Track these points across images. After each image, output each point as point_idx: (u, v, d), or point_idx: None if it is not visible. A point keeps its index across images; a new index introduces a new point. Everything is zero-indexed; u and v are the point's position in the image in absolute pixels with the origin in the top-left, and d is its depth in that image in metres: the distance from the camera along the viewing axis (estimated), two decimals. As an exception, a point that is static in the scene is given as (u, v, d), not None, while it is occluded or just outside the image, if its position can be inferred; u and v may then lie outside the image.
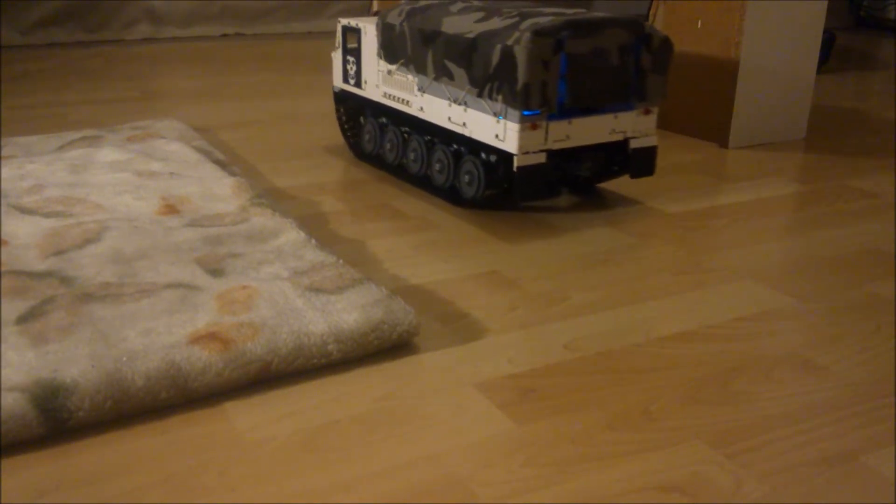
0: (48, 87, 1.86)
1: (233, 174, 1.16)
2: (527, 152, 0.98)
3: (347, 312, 0.73)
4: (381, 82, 1.18)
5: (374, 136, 1.24)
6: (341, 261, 0.85)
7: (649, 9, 1.55)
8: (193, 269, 0.82)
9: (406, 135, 1.18)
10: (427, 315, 0.82)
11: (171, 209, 0.99)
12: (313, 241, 0.90)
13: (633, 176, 1.09)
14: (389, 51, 1.14)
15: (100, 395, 0.62)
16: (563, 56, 0.97)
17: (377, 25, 1.16)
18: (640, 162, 1.09)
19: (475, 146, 1.04)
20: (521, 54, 0.93)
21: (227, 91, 1.86)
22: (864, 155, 1.45)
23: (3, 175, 1.10)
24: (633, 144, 1.07)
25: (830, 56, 2.49)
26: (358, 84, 1.24)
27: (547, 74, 0.94)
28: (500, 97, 0.97)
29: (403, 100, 1.14)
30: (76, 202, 1.00)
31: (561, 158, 1.04)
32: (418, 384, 0.69)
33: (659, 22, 1.54)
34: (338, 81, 1.30)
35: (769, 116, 1.49)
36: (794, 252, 1.00)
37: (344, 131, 1.33)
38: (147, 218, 0.96)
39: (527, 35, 0.93)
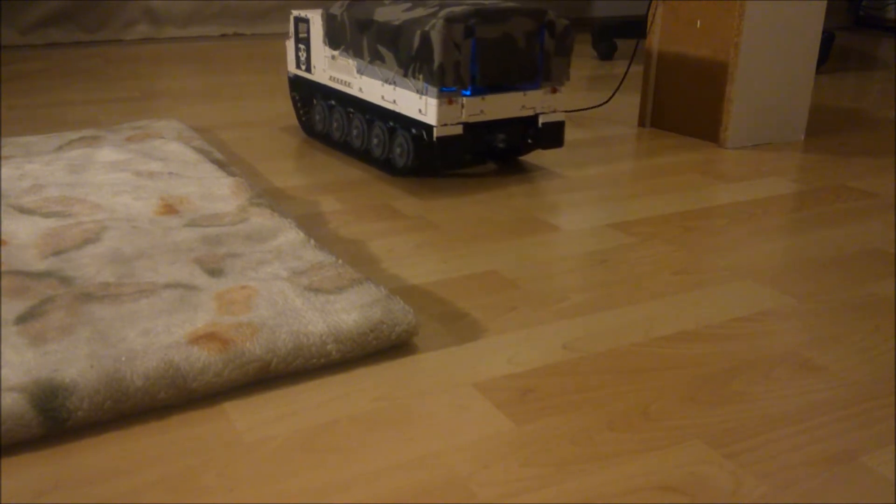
0: (47, 87, 1.86)
1: (232, 174, 1.16)
2: (445, 124, 1.12)
3: (346, 312, 0.73)
4: (327, 67, 1.32)
5: (323, 116, 1.38)
6: (340, 261, 0.85)
7: (648, 8, 1.55)
8: (192, 269, 0.82)
9: (349, 114, 1.30)
10: (426, 315, 0.82)
11: (170, 209, 0.99)
12: (312, 241, 0.90)
13: (543, 147, 1.23)
14: (333, 38, 1.29)
15: (99, 395, 0.62)
16: (474, 40, 1.10)
17: (322, 16, 1.31)
18: (550, 135, 1.23)
19: (404, 121, 1.17)
20: (436, 38, 1.07)
21: (226, 91, 1.86)
22: (863, 155, 1.45)
23: (3, 175, 1.10)
24: (543, 119, 1.22)
25: (829, 56, 2.49)
26: (308, 69, 1.38)
27: (459, 56, 1.09)
28: (420, 76, 1.11)
29: (346, 82, 1.28)
30: (75, 202, 1.00)
31: (478, 131, 1.17)
32: (417, 384, 0.69)
33: (658, 22, 1.54)
34: (291, 67, 1.44)
35: (768, 116, 1.49)
36: (794, 252, 1.00)
37: (298, 113, 1.46)
38: (146, 218, 0.96)
39: (440, 21, 1.08)
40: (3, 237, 0.89)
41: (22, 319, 0.71)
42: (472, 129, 1.15)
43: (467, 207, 1.12)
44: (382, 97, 1.19)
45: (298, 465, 0.59)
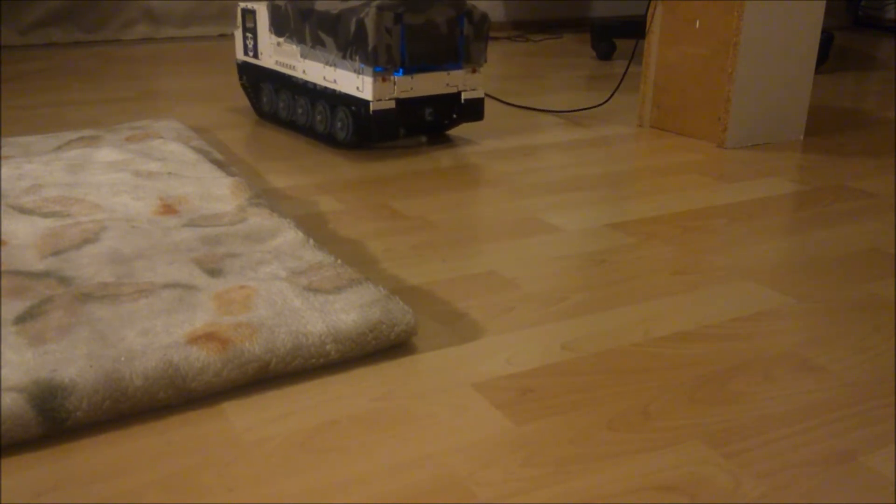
0: (46, 87, 1.86)
1: (231, 174, 1.16)
2: (380, 99, 1.28)
3: (345, 312, 0.73)
4: (273, 52, 1.45)
5: (270, 98, 1.52)
6: (339, 261, 0.85)
7: (647, 8, 1.55)
8: (191, 270, 0.82)
9: (295, 95, 1.44)
10: (425, 315, 0.82)
11: (169, 209, 0.99)
12: (311, 241, 0.90)
13: (466, 121, 1.41)
14: (278, 26, 1.42)
15: (98, 395, 0.62)
16: (402, 26, 1.26)
17: (268, 6, 1.44)
18: (472, 110, 1.40)
19: (344, 98, 1.33)
20: (369, 24, 1.23)
21: (225, 91, 1.86)
22: (863, 155, 1.45)
23: (2, 175, 1.10)
24: (465, 96, 1.39)
25: (828, 56, 2.49)
26: (256, 55, 1.51)
27: (390, 39, 1.25)
28: (357, 57, 1.27)
29: (291, 65, 1.42)
30: (74, 202, 1.00)
31: (409, 106, 1.34)
32: (416, 384, 0.69)
33: (657, 22, 1.54)
34: (240, 55, 1.56)
35: (767, 116, 1.49)
36: (793, 252, 1.00)
37: (249, 97, 1.59)
38: (145, 218, 0.96)
39: (373, 10, 1.24)
40: (2, 237, 0.89)
41: (21, 319, 0.71)
42: (404, 105, 1.33)
43: (466, 207, 1.12)
44: (324, 78, 1.35)
45: (298, 465, 0.59)
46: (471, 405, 0.67)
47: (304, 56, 1.37)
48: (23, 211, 0.97)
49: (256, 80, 1.54)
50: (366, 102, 1.28)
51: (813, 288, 0.90)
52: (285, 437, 0.62)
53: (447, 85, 1.35)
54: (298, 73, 1.40)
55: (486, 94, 1.89)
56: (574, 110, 1.75)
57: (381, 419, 0.64)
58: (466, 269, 0.93)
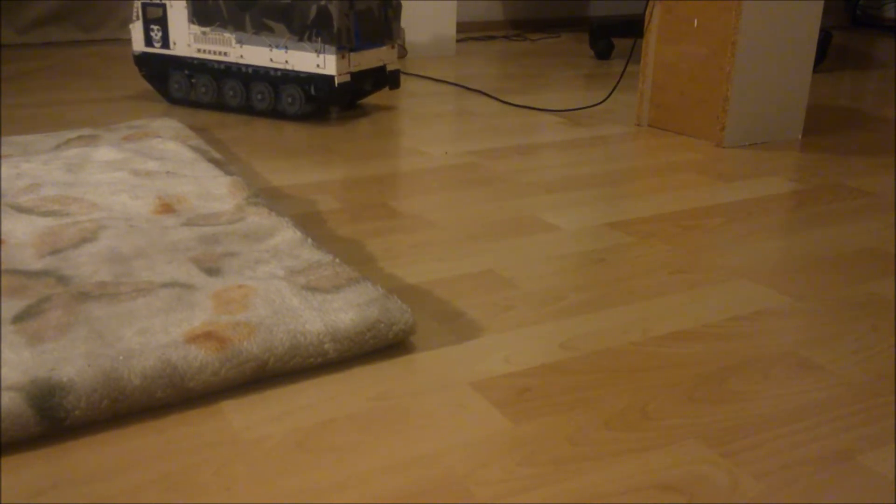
0: (45, 87, 1.85)
1: (229, 173, 1.16)
2: (341, 74, 1.50)
3: (344, 311, 0.73)
4: (193, 42, 1.59)
5: (181, 84, 1.65)
6: (337, 260, 0.85)
7: (646, 8, 1.55)
8: (189, 269, 0.82)
9: (222, 78, 1.60)
10: (423, 314, 0.82)
11: (167, 208, 0.99)
12: (309, 240, 0.90)
13: (391, 88, 1.69)
14: (203, 17, 1.57)
15: (96, 395, 0.62)
16: (355, 12, 1.50)
17: (188, 1, 1.57)
18: (394, 79, 1.68)
19: (297, 76, 1.53)
20: (333, 10, 1.46)
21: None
22: (861, 154, 1.45)
23: (1, 174, 1.10)
24: (389, 68, 1.67)
25: (826, 55, 2.49)
26: (166, 45, 1.63)
27: (348, 23, 1.49)
28: (319, 39, 1.47)
29: (222, 52, 1.57)
30: (72, 201, 1.00)
31: (356, 78, 1.60)
32: (414, 383, 0.69)
33: (655, 21, 1.55)
34: (139, 46, 1.66)
35: (765, 115, 1.49)
36: (791, 251, 1.00)
37: (154, 85, 1.69)
38: (143, 217, 0.96)
39: None
40: (1, 236, 0.89)
41: (19, 318, 0.71)
42: (354, 77, 1.57)
43: (464, 206, 1.12)
44: (271, 60, 1.53)
45: (295, 464, 0.59)
46: (469, 404, 0.67)
47: (241, 42, 1.54)
48: (21, 210, 0.97)
49: (164, 69, 1.66)
50: (329, 77, 1.50)
51: (811, 287, 0.90)
52: (283, 436, 0.62)
53: (378, 59, 1.62)
54: (232, 59, 1.57)
55: (484, 93, 1.89)
56: (572, 109, 1.75)
57: (379, 418, 0.64)
58: (465, 268, 0.93)
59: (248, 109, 1.61)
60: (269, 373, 0.69)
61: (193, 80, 1.64)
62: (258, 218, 0.96)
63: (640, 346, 0.76)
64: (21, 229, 0.91)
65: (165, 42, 1.63)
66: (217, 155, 1.27)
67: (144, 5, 1.64)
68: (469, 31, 2.98)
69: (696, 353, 0.75)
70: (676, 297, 0.87)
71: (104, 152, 1.21)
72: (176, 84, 1.66)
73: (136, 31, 1.66)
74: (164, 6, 1.61)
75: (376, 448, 0.61)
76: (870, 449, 0.62)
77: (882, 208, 1.16)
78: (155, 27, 1.64)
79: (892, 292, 0.89)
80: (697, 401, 0.68)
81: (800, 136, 1.55)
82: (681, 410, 0.66)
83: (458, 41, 2.74)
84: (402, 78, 2.08)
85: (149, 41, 1.65)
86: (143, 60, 1.68)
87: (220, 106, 1.64)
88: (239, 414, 0.65)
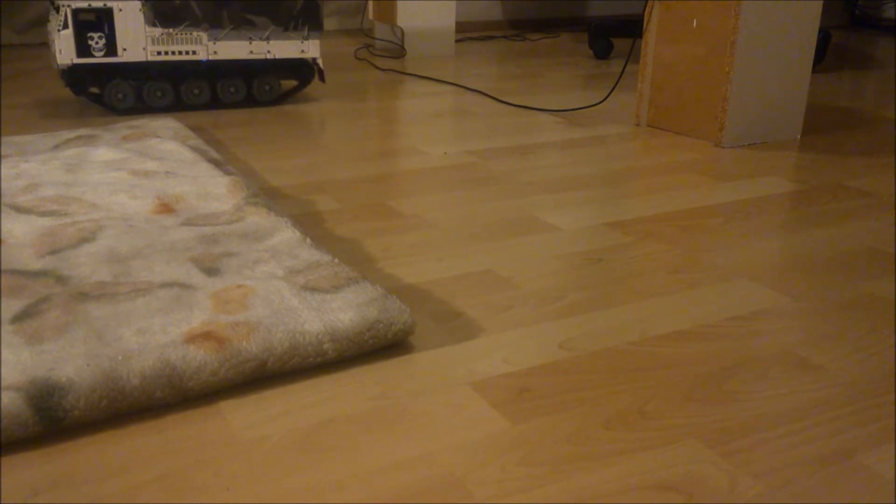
0: (43, 86, 1.85)
1: (228, 173, 1.16)
2: (320, 55, 1.70)
3: (343, 311, 0.73)
4: (150, 45, 1.56)
5: (127, 93, 1.58)
6: (336, 260, 0.85)
7: (645, 8, 1.55)
8: (189, 269, 0.82)
9: (184, 79, 1.62)
10: (422, 314, 0.82)
11: (166, 208, 0.99)
12: (308, 240, 0.90)
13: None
14: (167, 19, 1.56)
15: (95, 394, 0.62)
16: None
17: (146, 4, 1.53)
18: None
19: (279, 63, 1.68)
20: (319, 4, 1.63)
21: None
22: (860, 154, 1.45)
23: (0, 174, 1.09)
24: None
25: (825, 55, 2.49)
26: (111, 53, 1.54)
27: (321, 12, 1.66)
28: (306, 27, 1.64)
29: (189, 51, 1.59)
30: (71, 201, 1.00)
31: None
32: (413, 383, 0.69)
33: (654, 21, 1.55)
34: (70, 58, 1.51)
35: (764, 115, 1.49)
36: (790, 251, 1.00)
37: (87, 97, 1.58)
38: (142, 217, 0.96)
39: None
40: (0, 236, 0.89)
41: (18, 318, 0.71)
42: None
43: (463, 206, 1.12)
44: (251, 52, 1.62)
45: (295, 464, 0.59)
46: (468, 404, 0.67)
47: (213, 39, 1.59)
48: (20, 210, 0.97)
49: (107, 79, 1.56)
50: (314, 59, 1.69)
51: (810, 287, 0.90)
52: (282, 436, 0.62)
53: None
54: (201, 56, 1.59)
55: (483, 93, 1.89)
56: (571, 109, 1.75)
57: (379, 418, 0.64)
58: (464, 267, 0.93)
59: (214, 105, 1.67)
60: (268, 373, 0.69)
61: (147, 86, 1.59)
62: (257, 218, 0.96)
63: (639, 346, 0.76)
64: (20, 229, 0.91)
65: (111, 50, 1.53)
66: (216, 155, 1.27)
67: (77, 11, 1.50)
68: (468, 31, 2.98)
69: (694, 353, 0.75)
70: (675, 297, 0.87)
71: (103, 152, 1.20)
72: (121, 94, 1.58)
73: (65, 40, 1.50)
74: (109, 11, 1.51)
75: (375, 448, 0.61)
76: (869, 448, 0.62)
77: (881, 208, 1.16)
78: (96, 34, 1.52)
79: (891, 292, 0.89)
80: (696, 401, 0.68)
81: (799, 136, 1.55)
82: (679, 410, 0.66)
83: (456, 41, 2.74)
84: (402, 78, 2.08)
85: (84, 51, 1.51)
86: (75, 73, 1.54)
87: (179, 107, 1.65)
88: (238, 414, 0.65)
